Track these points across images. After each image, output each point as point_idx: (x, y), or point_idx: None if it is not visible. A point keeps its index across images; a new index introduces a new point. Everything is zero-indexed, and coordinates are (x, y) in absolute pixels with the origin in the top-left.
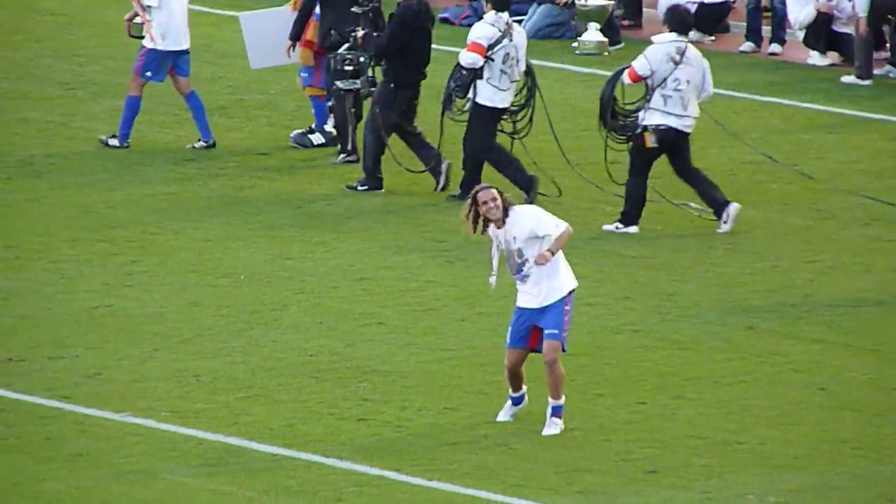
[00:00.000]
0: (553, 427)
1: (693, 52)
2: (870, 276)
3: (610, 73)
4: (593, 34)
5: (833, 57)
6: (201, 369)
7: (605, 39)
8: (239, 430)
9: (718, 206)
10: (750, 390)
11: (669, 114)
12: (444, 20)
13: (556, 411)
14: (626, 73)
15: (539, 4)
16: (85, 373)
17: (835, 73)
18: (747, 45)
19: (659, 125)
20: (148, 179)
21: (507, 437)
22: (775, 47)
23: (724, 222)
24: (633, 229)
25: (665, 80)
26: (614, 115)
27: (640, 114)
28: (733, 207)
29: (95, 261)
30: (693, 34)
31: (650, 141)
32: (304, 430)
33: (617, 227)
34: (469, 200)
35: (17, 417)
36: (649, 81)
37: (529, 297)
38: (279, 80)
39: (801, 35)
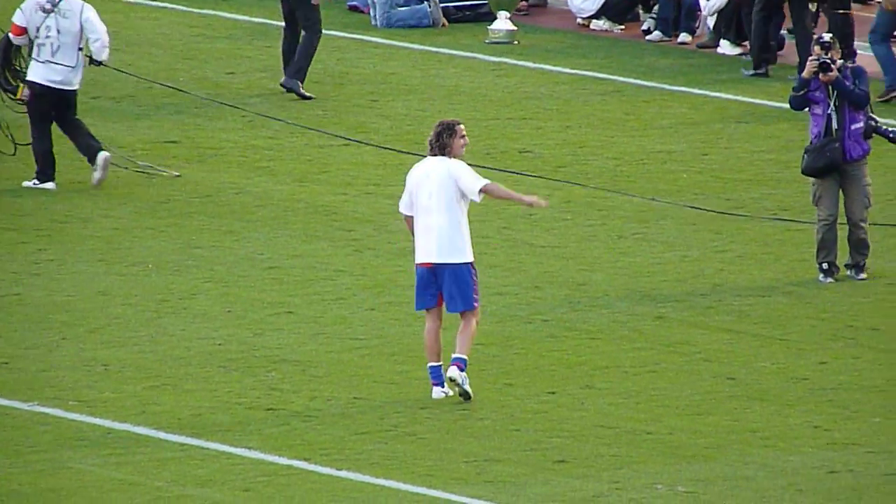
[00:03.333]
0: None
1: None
2: (779, 266)
3: (521, 62)
4: (503, 22)
5: (745, 46)
6: (109, 358)
7: (516, 28)
8: (147, 420)
9: (91, 154)
10: (659, 380)
11: (42, 63)
12: (354, 8)
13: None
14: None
15: None
16: None
17: (746, 63)
18: (656, 35)
19: (35, 80)
20: (56, 167)
21: (416, 427)
22: (685, 37)
23: (95, 170)
24: (49, 185)
25: (38, 29)
26: (14, 74)
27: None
28: (102, 156)
29: (2, 249)
30: (603, 23)
31: (24, 94)
32: (212, 419)
33: (34, 184)
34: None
35: None
36: (31, 34)
37: None
38: (189, 69)
39: (711, 22)
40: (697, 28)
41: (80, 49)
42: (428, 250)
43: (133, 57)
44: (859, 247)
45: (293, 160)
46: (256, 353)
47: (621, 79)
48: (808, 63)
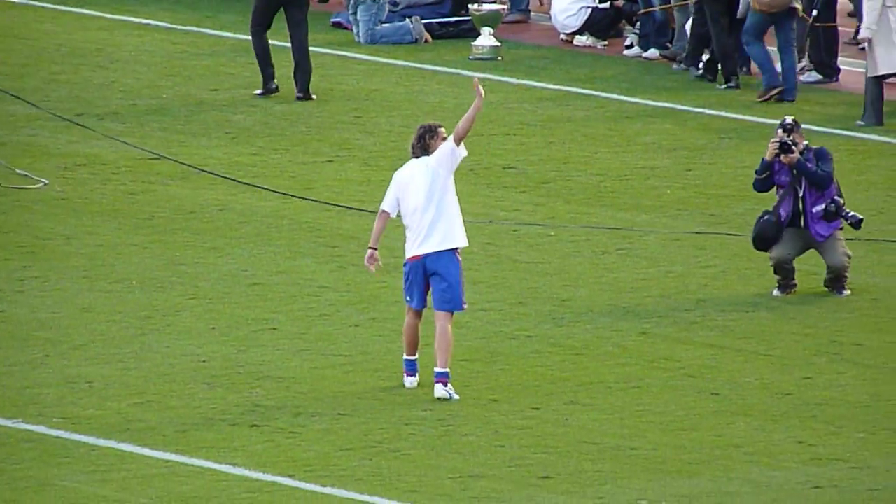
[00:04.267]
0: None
1: None
2: (763, 282)
3: (505, 78)
4: (487, 39)
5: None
6: (94, 375)
7: (499, 44)
8: (131, 437)
9: None
10: (643, 395)
11: None
12: (337, 24)
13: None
14: None
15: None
16: None
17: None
18: (635, 51)
19: None
20: (54, 184)
21: (400, 443)
22: (652, 52)
23: None
24: None
25: None
26: None
27: None
28: None
29: None
30: (586, 38)
31: None
32: (196, 436)
33: None
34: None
35: None
36: None
37: None
38: (173, 86)
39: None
40: (670, 44)
41: None
42: (420, 244)
43: (117, 74)
44: (838, 281)
45: (277, 177)
46: (241, 370)
47: (605, 94)
48: (769, 144)
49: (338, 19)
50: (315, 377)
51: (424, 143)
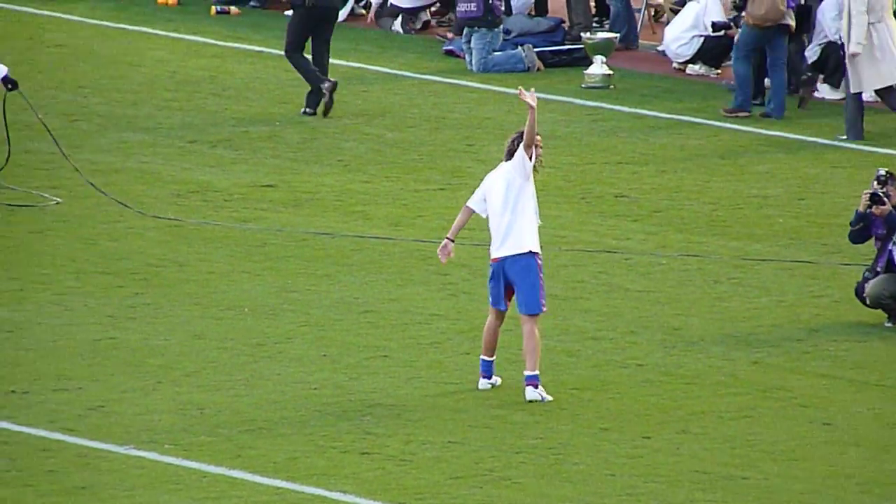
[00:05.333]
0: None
1: None
2: (875, 312)
3: (617, 107)
4: (599, 67)
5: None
6: (205, 402)
7: (611, 72)
8: (242, 464)
9: None
10: (755, 425)
11: None
12: (449, 52)
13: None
14: None
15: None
16: (88, 405)
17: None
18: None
19: None
20: (152, 211)
21: (511, 472)
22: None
23: None
24: None
25: None
26: None
27: None
28: None
29: (99, 293)
30: (699, 67)
31: None
32: (307, 463)
33: None
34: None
35: (19, 450)
36: None
37: None
38: (285, 113)
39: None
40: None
41: None
42: (499, 247)
43: (229, 101)
44: None
45: (388, 204)
46: (352, 397)
47: (717, 123)
48: (862, 196)
49: (450, 47)
50: (426, 405)
51: (512, 148)
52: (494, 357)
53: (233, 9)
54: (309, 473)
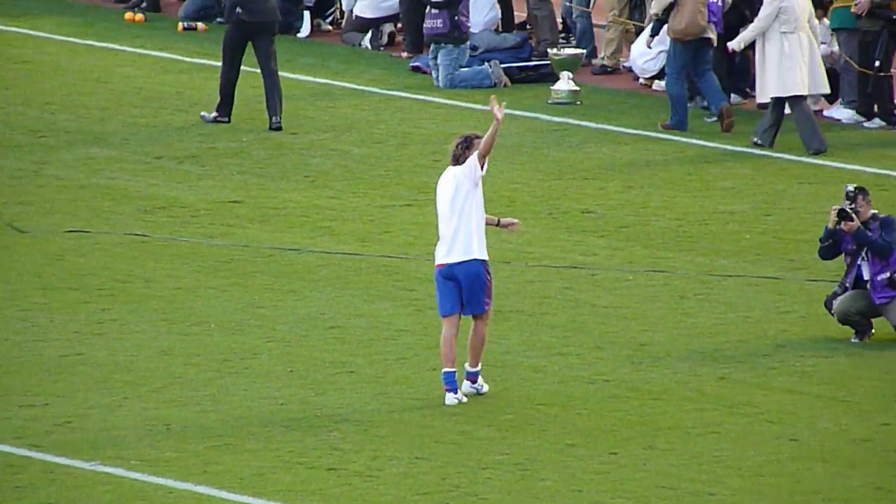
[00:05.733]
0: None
1: None
2: (841, 328)
3: (584, 123)
4: (566, 83)
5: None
6: (171, 418)
7: (578, 88)
8: (209, 479)
9: None
10: (721, 441)
11: None
12: (416, 69)
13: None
14: None
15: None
16: (55, 421)
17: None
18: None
19: None
20: (119, 227)
21: (477, 487)
22: (735, 98)
23: None
24: None
25: None
26: None
27: None
28: None
29: (66, 309)
30: (665, 83)
31: None
32: (273, 479)
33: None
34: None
35: None
36: None
37: None
38: (251, 129)
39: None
40: (750, 89)
41: None
42: (446, 252)
43: (196, 117)
44: None
45: (355, 220)
46: (318, 413)
47: (684, 139)
48: (829, 212)
49: (416, 63)
50: (393, 420)
51: (457, 153)
52: (455, 368)
53: (199, 25)
54: (275, 489)
